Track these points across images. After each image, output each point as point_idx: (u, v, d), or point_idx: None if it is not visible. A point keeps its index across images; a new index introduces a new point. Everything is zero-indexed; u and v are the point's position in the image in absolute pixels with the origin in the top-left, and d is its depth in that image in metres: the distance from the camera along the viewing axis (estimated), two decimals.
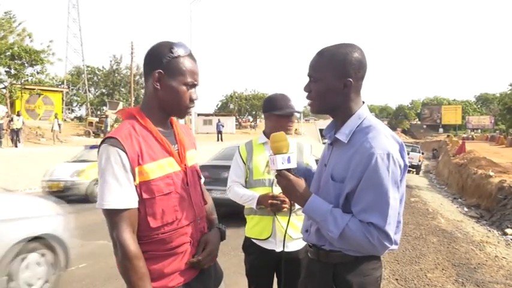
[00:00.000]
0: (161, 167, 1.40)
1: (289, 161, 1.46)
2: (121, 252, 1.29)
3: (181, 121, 1.77)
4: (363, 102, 1.49)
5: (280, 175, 1.47)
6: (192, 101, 1.47)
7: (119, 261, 1.32)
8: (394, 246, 1.38)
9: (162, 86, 1.41)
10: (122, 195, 1.31)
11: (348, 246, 1.38)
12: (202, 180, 1.68)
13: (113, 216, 1.31)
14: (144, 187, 1.35)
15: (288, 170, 1.47)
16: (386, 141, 1.35)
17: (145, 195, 1.35)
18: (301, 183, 1.46)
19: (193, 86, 1.46)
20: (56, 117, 22.79)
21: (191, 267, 1.46)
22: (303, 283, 1.59)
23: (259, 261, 2.31)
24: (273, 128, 2.35)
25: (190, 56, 1.46)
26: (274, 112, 2.34)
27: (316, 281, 1.49)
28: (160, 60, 1.41)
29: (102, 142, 1.37)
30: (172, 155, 1.45)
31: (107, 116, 21.42)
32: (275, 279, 2.38)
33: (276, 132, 1.54)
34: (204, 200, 1.63)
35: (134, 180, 1.34)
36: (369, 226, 1.32)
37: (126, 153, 1.32)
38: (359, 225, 1.33)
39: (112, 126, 22.17)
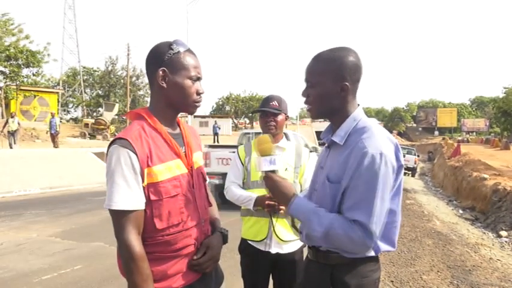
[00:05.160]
0: (169, 169, 1.40)
1: (274, 162, 1.52)
2: (126, 253, 1.30)
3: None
4: (358, 105, 1.50)
5: (267, 176, 1.51)
6: (198, 94, 1.48)
7: (123, 262, 1.32)
8: (391, 248, 1.38)
9: (167, 83, 1.42)
10: (130, 196, 1.31)
11: (332, 245, 1.38)
12: (207, 182, 1.69)
13: (120, 217, 1.31)
14: (152, 189, 1.36)
15: (273, 171, 1.52)
16: (380, 142, 1.36)
17: (152, 197, 1.36)
18: (286, 184, 1.49)
19: (198, 79, 1.47)
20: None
21: (194, 270, 1.47)
22: (302, 284, 1.59)
23: (255, 262, 2.32)
24: (261, 128, 2.42)
25: (190, 51, 1.47)
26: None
27: (314, 282, 1.49)
28: (162, 58, 1.42)
29: (112, 143, 1.37)
30: (180, 157, 1.46)
31: (53, 116, 18.92)
32: (271, 281, 2.38)
33: (261, 135, 1.58)
34: (209, 202, 1.63)
35: (143, 181, 1.34)
36: (353, 223, 1.31)
37: (136, 154, 1.32)
38: (343, 223, 1.32)
39: (60, 126, 19.92)
